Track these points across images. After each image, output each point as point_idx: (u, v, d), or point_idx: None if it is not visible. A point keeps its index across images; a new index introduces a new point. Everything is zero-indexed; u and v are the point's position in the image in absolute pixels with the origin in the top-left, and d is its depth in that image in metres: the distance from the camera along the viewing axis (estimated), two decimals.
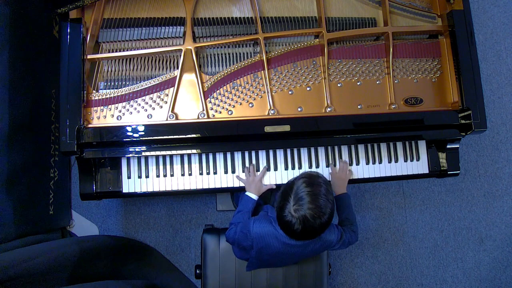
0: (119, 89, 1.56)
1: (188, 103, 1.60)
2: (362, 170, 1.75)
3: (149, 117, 1.57)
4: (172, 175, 1.65)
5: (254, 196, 1.62)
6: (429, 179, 2.53)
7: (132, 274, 1.96)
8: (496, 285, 2.57)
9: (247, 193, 1.63)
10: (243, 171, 1.68)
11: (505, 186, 2.61)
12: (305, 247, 1.45)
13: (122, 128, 1.50)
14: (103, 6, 1.57)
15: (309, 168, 1.72)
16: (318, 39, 1.69)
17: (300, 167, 1.72)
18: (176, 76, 1.58)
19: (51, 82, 1.97)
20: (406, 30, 1.73)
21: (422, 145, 1.79)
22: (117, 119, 1.56)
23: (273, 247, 1.45)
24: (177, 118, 1.57)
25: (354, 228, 1.65)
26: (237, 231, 1.53)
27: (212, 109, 1.61)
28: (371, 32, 1.71)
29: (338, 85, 1.68)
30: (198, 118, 1.58)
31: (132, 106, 1.57)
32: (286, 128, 1.55)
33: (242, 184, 1.67)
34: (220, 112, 1.61)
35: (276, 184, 1.70)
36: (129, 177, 1.64)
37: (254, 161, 1.69)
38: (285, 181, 1.69)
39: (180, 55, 1.59)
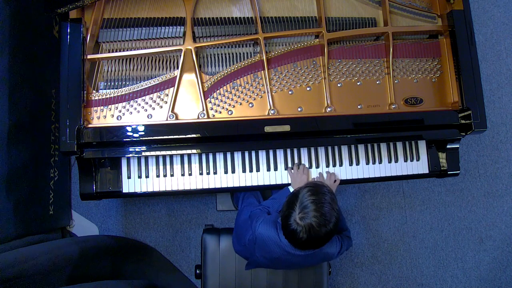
0: (119, 89, 1.56)
1: (188, 103, 1.60)
2: (362, 170, 1.75)
3: (149, 117, 1.57)
4: (172, 175, 1.65)
5: None
6: (429, 179, 2.53)
7: (132, 274, 1.96)
8: (496, 285, 2.57)
9: (289, 187, 1.64)
10: (243, 171, 1.68)
11: (505, 186, 2.61)
12: (306, 258, 1.44)
13: (122, 128, 1.50)
14: (103, 6, 1.57)
15: (309, 168, 1.71)
16: (318, 39, 1.69)
17: None
18: (176, 76, 1.58)
19: (51, 82, 1.97)
20: (406, 30, 1.73)
21: (422, 145, 1.79)
22: (117, 119, 1.56)
23: (273, 252, 1.45)
24: (177, 118, 1.57)
25: (348, 233, 1.66)
26: (256, 217, 1.51)
27: (212, 109, 1.61)
28: (371, 32, 1.71)
29: (338, 85, 1.68)
30: (198, 118, 1.58)
31: (132, 106, 1.57)
32: (286, 128, 1.55)
33: (241, 184, 1.67)
34: (220, 112, 1.61)
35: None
36: (129, 177, 1.64)
37: (254, 161, 1.69)
38: (285, 181, 1.69)
39: (180, 55, 1.59)
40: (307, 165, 1.71)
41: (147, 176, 1.64)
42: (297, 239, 1.30)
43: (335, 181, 1.68)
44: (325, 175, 1.71)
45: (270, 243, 1.43)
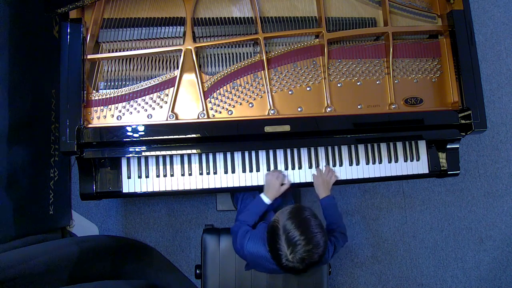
0: (119, 89, 1.56)
1: (188, 103, 1.60)
2: (362, 170, 1.75)
3: (149, 117, 1.57)
4: (172, 175, 1.65)
5: (267, 200, 1.59)
6: (429, 179, 2.53)
7: (132, 274, 1.96)
8: (496, 285, 2.57)
9: (261, 195, 1.61)
10: (243, 171, 1.68)
11: (505, 186, 2.61)
12: None
13: (122, 128, 1.50)
14: (103, 6, 1.57)
15: (309, 168, 1.71)
16: (318, 39, 1.69)
17: (300, 167, 1.71)
18: (176, 76, 1.58)
19: (51, 82, 1.97)
20: (406, 30, 1.73)
21: (422, 145, 1.79)
22: (117, 119, 1.55)
23: (265, 266, 1.46)
24: (177, 118, 1.57)
25: (343, 229, 1.64)
26: (238, 234, 1.52)
27: (212, 109, 1.61)
28: (371, 32, 1.71)
29: (338, 85, 1.68)
30: (198, 118, 1.58)
31: (132, 106, 1.57)
32: (286, 128, 1.55)
33: (241, 184, 1.67)
34: (220, 112, 1.61)
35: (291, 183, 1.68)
36: (129, 177, 1.64)
37: (254, 161, 1.69)
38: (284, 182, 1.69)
39: (180, 55, 1.59)
40: (307, 165, 1.71)
41: (147, 176, 1.64)
42: (296, 271, 1.32)
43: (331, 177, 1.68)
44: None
45: (261, 259, 1.45)
